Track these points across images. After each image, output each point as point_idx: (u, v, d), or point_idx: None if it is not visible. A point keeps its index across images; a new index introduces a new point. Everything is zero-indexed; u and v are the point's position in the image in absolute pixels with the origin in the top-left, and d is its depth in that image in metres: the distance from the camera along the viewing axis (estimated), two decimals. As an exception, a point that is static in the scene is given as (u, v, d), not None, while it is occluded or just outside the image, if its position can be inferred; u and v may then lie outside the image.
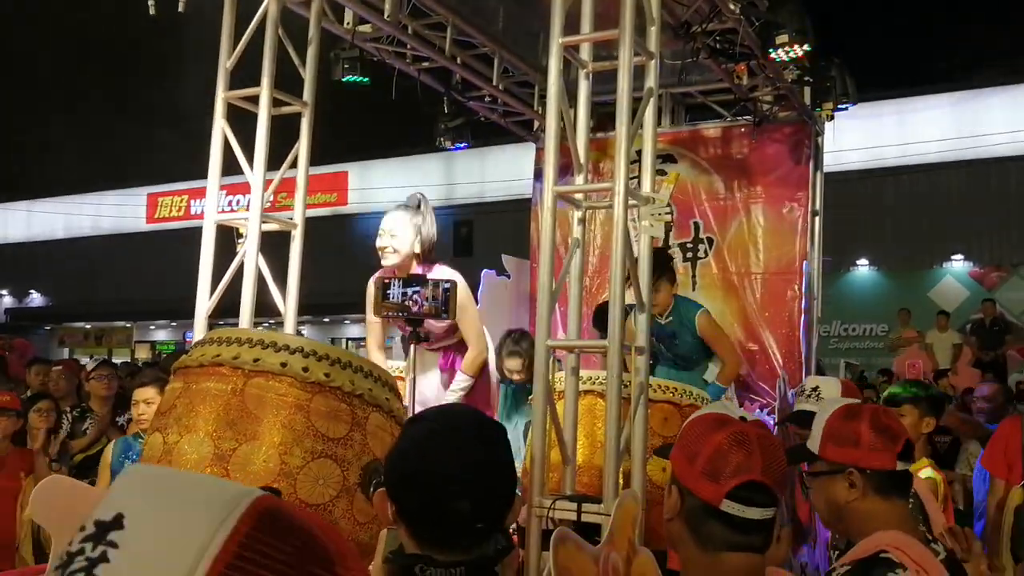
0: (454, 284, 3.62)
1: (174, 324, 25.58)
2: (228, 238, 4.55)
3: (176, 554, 0.56)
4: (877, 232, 15.51)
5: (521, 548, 3.47)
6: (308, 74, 4.71)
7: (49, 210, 26.18)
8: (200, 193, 24.94)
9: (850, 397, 2.65)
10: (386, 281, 3.67)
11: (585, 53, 3.88)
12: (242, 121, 4.61)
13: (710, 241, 6.85)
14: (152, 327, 26.39)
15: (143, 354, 22.97)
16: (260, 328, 4.48)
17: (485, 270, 6.97)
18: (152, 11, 3.91)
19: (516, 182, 16.49)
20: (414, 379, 3.68)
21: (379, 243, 4.18)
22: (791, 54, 4.70)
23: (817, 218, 6.73)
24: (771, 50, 4.69)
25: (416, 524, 1.52)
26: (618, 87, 3.52)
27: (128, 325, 26.04)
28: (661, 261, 4.84)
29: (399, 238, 4.12)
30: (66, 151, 27.56)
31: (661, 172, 6.99)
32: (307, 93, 4.69)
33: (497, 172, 18.42)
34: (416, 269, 4.12)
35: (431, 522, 1.50)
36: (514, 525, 4.65)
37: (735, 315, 6.64)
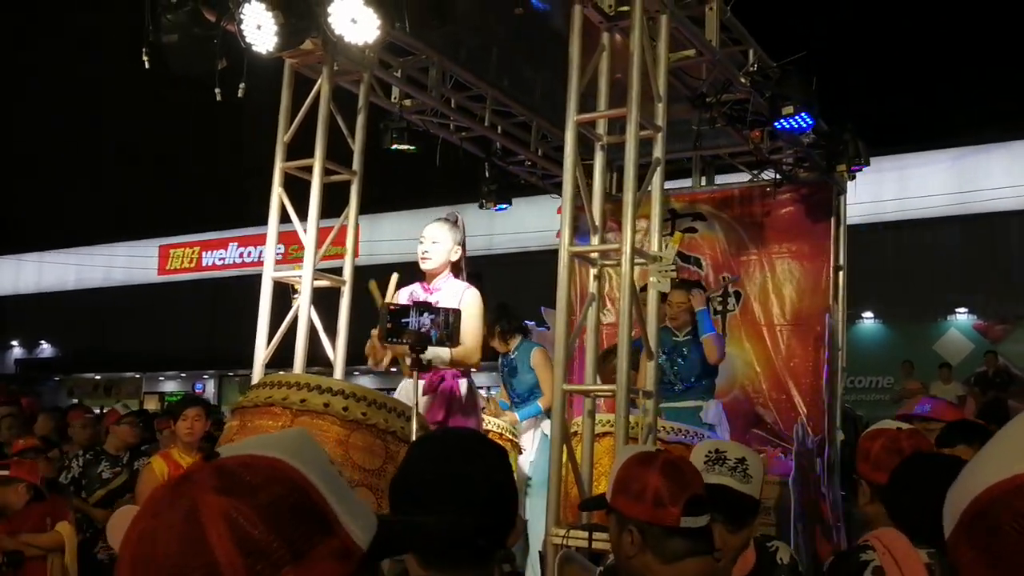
0: (458, 312, 3.74)
1: (183, 375, 25.38)
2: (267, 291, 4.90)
3: None
4: (881, 286, 15.40)
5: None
6: (357, 145, 5.10)
7: (60, 261, 26.11)
8: (210, 244, 24.51)
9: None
10: (395, 308, 3.72)
11: (601, 128, 4.31)
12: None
13: (737, 295, 7.18)
14: (161, 378, 26.13)
15: (152, 405, 21.97)
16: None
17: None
18: (219, 98, 4.38)
19: (525, 234, 16.62)
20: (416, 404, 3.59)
21: (420, 248, 4.28)
22: (797, 124, 5.09)
23: (841, 272, 7.03)
24: (779, 120, 5.08)
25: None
26: (625, 158, 3.93)
27: (137, 376, 25.73)
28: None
29: (440, 245, 4.22)
30: (77, 202, 27.15)
31: (691, 230, 7.39)
32: (356, 162, 5.10)
33: (507, 226, 18.47)
34: (445, 279, 4.24)
35: (434, 541, 1.49)
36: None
37: (762, 365, 6.93)
